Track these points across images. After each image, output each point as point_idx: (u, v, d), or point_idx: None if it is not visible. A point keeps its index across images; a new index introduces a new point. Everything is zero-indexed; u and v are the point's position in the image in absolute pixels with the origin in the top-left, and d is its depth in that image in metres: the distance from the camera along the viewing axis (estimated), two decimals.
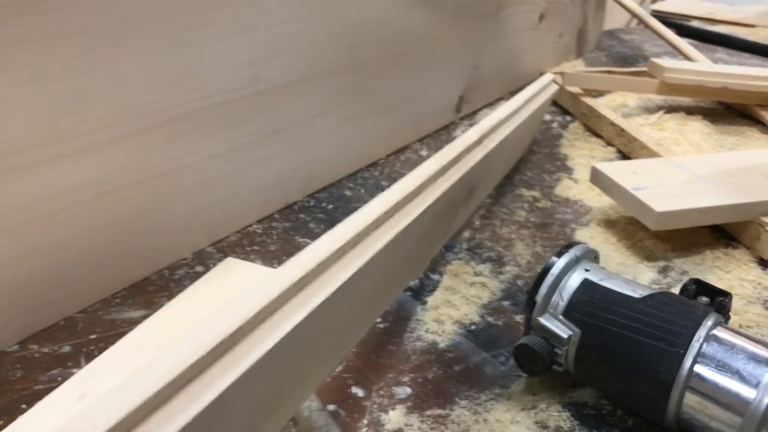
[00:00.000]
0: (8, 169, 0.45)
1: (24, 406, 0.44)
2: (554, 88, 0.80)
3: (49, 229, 0.48)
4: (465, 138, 0.55)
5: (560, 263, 0.44)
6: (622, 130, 0.81)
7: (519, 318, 0.53)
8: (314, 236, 0.63)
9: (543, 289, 0.43)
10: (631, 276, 0.57)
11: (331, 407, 0.44)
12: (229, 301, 0.31)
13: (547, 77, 0.81)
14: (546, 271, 0.44)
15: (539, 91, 0.76)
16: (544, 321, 0.43)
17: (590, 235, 0.64)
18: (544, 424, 0.43)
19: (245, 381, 0.29)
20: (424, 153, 0.81)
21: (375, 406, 0.44)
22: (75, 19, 0.46)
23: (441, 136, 0.86)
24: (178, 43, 0.53)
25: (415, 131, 0.84)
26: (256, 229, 0.65)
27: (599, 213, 0.68)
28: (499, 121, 0.61)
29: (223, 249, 0.61)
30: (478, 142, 0.56)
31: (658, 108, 0.95)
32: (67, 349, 0.49)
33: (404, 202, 0.44)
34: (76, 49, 0.47)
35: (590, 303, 0.42)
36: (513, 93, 0.85)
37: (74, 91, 0.47)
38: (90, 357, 0.48)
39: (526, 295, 0.44)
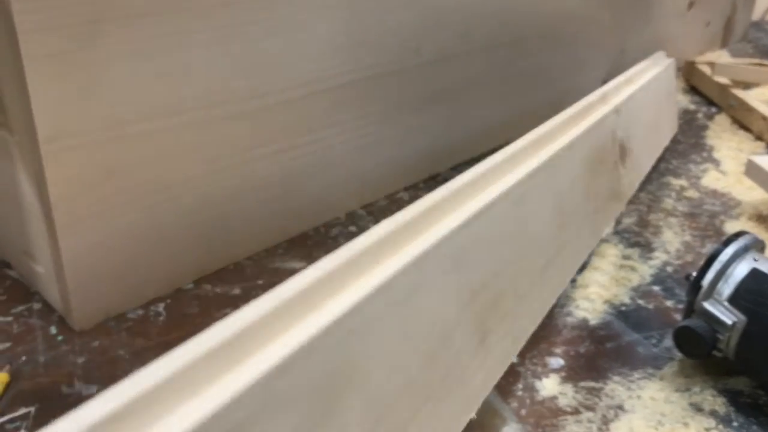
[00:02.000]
0: (190, 123, 0.48)
1: None
2: (668, 61, 0.79)
3: (224, 182, 0.52)
4: (590, 97, 0.59)
5: (729, 251, 0.44)
6: None
7: (670, 303, 0.53)
8: None
9: (710, 274, 0.43)
10: None
11: None
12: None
13: (659, 54, 0.80)
14: (714, 257, 0.44)
15: (651, 64, 0.77)
16: (709, 306, 0.43)
17: (741, 228, 0.63)
18: (698, 406, 0.43)
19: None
20: None
21: (529, 372, 0.46)
22: None
23: None
24: (353, 11, 0.56)
25: (558, 111, 0.84)
26: (402, 196, 0.67)
27: (750, 207, 0.67)
28: (619, 84, 0.65)
29: (373, 212, 0.64)
30: (603, 100, 0.60)
31: None
32: (237, 291, 0.53)
33: (532, 147, 0.49)
34: (258, 15, 0.50)
35: (759, 292, 0.42)
36: None
37: (254, 54, 0.50)
38: None
39: (692, 279, 0.44)
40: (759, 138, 0.82)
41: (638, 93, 0.66)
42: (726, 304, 0.43)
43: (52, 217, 0.44)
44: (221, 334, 0.24)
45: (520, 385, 0.44)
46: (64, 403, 0.42)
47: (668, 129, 0.79)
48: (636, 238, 0.61)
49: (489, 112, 0.75)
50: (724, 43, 1.14)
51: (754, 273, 0.43)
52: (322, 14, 0.54)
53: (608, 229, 0.60)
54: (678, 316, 0.51)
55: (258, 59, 0.51)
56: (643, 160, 0.69)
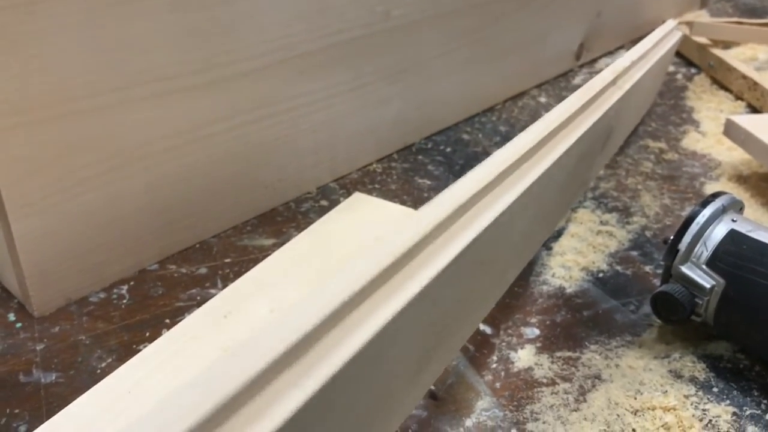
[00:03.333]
0: (146, 97, 0.46)
1: (167, 320, 0.46)
2: (678, 34, 0.76)
3: (186, 157, 0.50)
4: (601, 78, 0.53)
5: (706, 212, 0.43)
6: (756, 83, 0.77)
7: (648, 268, 0.51)
8: (433, 178, 0.64)
9: (687, 237, 0.42)
10: None
11: None
12: (375, 240, 0.31)
13: (671, 23, 0.76)
14: (691, 219, 0.42)
15: (665, 36, 0.72)
16: (686, 270, 0.42)
17: (721, 189, 0.61)
18: (677, 373, 0.42)
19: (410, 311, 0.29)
20: (542, 99, 0.80)
21: (503, 344, 0.44)
22: None
23: (560, 83, 0.84)
24: None
25: (533, 77, 0.82)
26: (376, 168, 0.65)
27: (729, 168, 0.65)
28: (632, 62, 0.59)
29: (346, 185, 0.62)
30: (614, 82, 0.54)
31: None
32: (203, 270, 0.51)
33: (548, 139, 0.43)
34: None
35: (737, 254, 0.41)
36: (634, 42, 0.82)
37: (210, 22, 0.48)
38: (225, 279, 0.50)
39: (669, 243, 0.43)
40: (739, 98, 0.80)
41: (644, 75, 0.61)
42: (704, 267, 0.42)
43: (2, 199, 0.42)
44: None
45: (494, 357, 0.43)
46: (22, 392, 0.40)
47: (647, 104, 0.76)
48: (614, 202, 0.60)
49: (463, 78, 0.73)
50: (704, 3, 1.12)
51: (733, 234, 0.42)
52: None
53: (562, 222, 0.56)
54: (657, 281, 0.50)
55: (215, 27, 0.48)
56: (617, 143, 0.65)
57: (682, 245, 0.42)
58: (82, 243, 0.47)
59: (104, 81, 0.44)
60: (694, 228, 0.42)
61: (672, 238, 0.43)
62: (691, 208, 0.43)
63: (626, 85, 0.55)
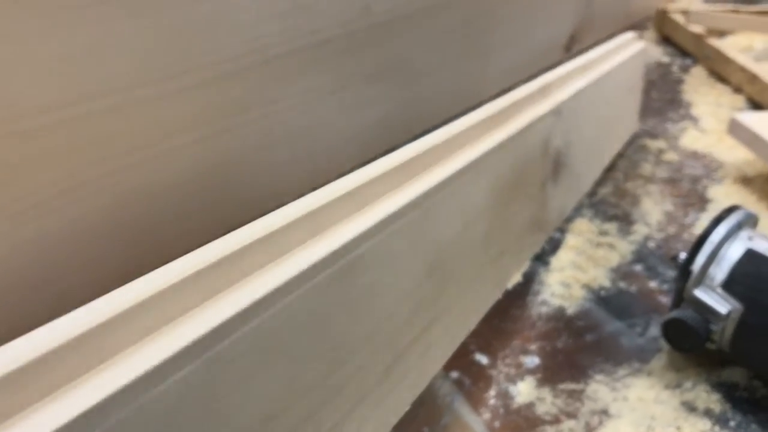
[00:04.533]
0: (105, 110, 0.42)
1: None
2: (640, 46, 0.69)
3: (151, 173, 0.46)
4: (525, 88, 0.47)
5: (720, 230, 0.39)
6: (755, 76, 0.73)
7: (653, 284, 0.48)
8: None
9: (701, 258, 0.38)
10: None
11: (454, 375, 0.41)
12: None
13: (629, 35, 0.68)
14: (704, 238, 0.39)
15: (618, 46, 0.64)
16: (700, 294, 0.38)
17: (726, 193, 0.58)
18: (691, 405, 0.39)
19: None
20: None
21: (501, 375, 0.41)
22: None
23: None
24: None
25: (522, 71, 0.78)
26: None
27: (733, 169, 0.62)
28: (568, 72, 0.52)
29: None
30: (542, 93, 0.47)
31: None
32: None
33: (439, 154, 0.36)
34: None
35: (756, 275, 0.37)
36: (625, 30, 0.77)
37: (174, 25, 0.44)
38: None
39: (680, 263, 0.39)
40: (738, 90, 0.77)
41: (591, 87, 0.53)
42: (720, 290, 0.38)
43: None
44: None
45: (492, 392, 0.39)
46: None
47: (624, 129, 0.67)
48: (613, 210, 0.56)
49: (451, 74, 0.69)
50: None
51: (750, 254, 0.38)
52: None
53: (518, 276, 0.48)
54: (663, 299, 0.47)
55: (180, 31, 0.44)
56: (584, 174, 0.56)
57: (695, 266, 0.39)
58: (39, 272, 0.42)
59: (56, 95, 0.39)
60: (708, 248, 0.39)
61: (683, 256, 0.39)
62: (705, 227, 0.40)
63: (560, 96, 0.49)
